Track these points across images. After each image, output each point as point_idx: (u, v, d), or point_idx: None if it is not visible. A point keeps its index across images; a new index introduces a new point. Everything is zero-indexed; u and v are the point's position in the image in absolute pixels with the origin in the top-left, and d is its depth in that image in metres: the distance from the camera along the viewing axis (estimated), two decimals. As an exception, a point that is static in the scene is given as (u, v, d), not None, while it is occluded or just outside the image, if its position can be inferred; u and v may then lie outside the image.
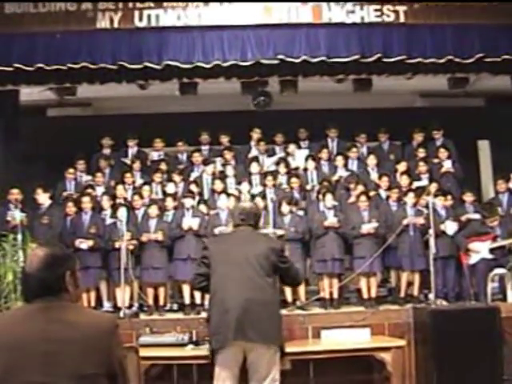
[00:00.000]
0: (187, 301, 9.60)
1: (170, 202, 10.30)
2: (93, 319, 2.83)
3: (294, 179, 10.97)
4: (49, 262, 2.80)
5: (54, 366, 2.63)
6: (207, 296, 8.98)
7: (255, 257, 5.35)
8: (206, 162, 11.72)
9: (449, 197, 10.32)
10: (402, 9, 10.21)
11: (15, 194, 10.07)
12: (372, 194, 10.52)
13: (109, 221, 10.16)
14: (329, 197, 9.95)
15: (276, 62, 10.30)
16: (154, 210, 10.00)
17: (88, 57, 10.09)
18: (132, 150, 12.38)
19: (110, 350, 2.77)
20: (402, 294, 9.72)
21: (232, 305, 5.24)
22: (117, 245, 9.40)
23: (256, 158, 11.84)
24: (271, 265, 5.41)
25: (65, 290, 2.81)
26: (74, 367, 2.66)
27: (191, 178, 11.49)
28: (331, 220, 9.73)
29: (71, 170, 11.37)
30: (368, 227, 9.66)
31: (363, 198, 9.95)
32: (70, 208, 10.19)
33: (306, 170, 11.49)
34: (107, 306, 9.83)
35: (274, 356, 5.37)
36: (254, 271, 5.31)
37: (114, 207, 10.25)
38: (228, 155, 11.94)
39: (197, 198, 10.61)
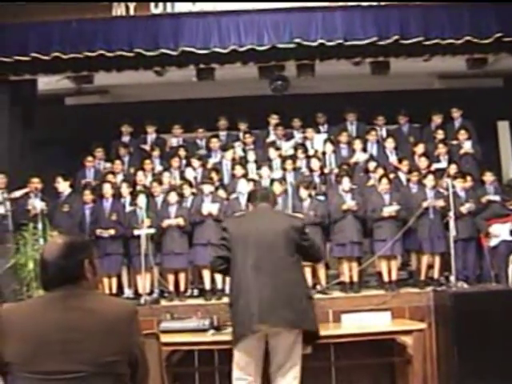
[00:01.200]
0: (208, 286, 9.63)
1: (187, 189, 10.29)
2: (112, 306, 2.85)
3: (314, 160, 10.95)
4: (67, 250, 2.82)
5: (74, 354, 2.65)
6: (228, 281, 9.12)
7: (276, 237, 5.31)
8: (224, 148, 11.71)
9: (468, 178, 10.24)
10: (418, -11, 10.16)
11: (35, 182, 10.13)
12: (391, 176, 10.47)
13: (128, 208, 10.20)
14: (346, 180, 9.91)
15: (293, 45, 10.27)
16: (173, 197, 10.01)
17: (104, 44, 10.13)
18: (151, 136, 12.40)
19: (130, 336, 2.79)
20: (423, 277, 9.68)
21: (254, 292, 5.21)
22: (136, 232, 9.44)
23: (274, 143, 11.83)
24: (293, 243, 5.37)
25: (84, 277, 2.83)
26: (94, 355, 2.67)
27: (209, 164, 11.50)
28: (349, 203, 9.71)
29: (90, 158, 11.41)
30: (389, 210, 9.63)
31: (385, 180, 9.91)
32: (88, 196, 10.23)
33: (324, 153, 11.45)
34: (128, 292, 9.89)
35: (296, 340, 5.36)
36: (275, 253, 5.28)
37: (134, 194, 10.28)
38: (248, 139, 11.96)
39: (216, 183, 10.60)
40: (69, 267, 2.80)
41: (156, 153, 11.77)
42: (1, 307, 3.10)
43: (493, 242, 9.41)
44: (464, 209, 9.60)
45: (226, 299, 8.71)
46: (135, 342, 2.81)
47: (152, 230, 9.55)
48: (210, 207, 9.78)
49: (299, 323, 5.34)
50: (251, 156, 11.36)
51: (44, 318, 2.71)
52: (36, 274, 7.73)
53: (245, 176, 10.62)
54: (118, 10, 10.21)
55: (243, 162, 11.24)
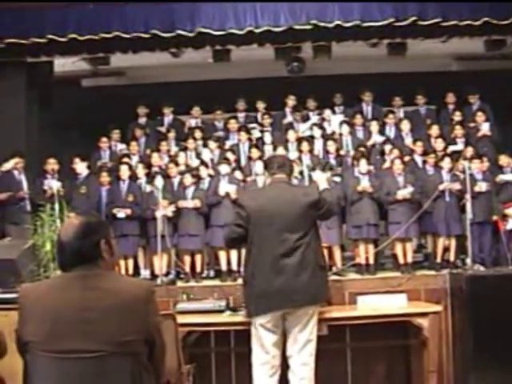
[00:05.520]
0: (224, 267, 9.65)
1: (203, 171, 10.28)
2: (129, 286, 2.87)
3: (330, 143, 10.91)
4: (83, 231, 2.83)
5: (92, 334, 2.68)
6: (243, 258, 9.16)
7: (293, 214, 5.39)
8: (241, 129, 11.68)
9: (485, 159, 10.15)
10: (436, -30, 10.09)
11: (52, 163, 10.18)
12: (407, 159, 10.42)
13: (145, 189, 10.21)
14: (363, 162, 9.88)
15: (309, 27, 10.26)
16: (188, 179, 10.01)
17: (120, 26, 10.15)
18: (167, 118, 12.41)
19: (147, 316, 2.81)
20: (439, 260, 9.67)
21: (272, 270, 5.28)
22: (157, 213, 9.44)
23: (291, 125, 11.80)
24: (310, 218, 5.47)
25: (100, 257, 2.85)
26: (112, 334, 2.70)
27: (227, 146, 11.50)
28: (364, 184, 9.69)
29: (105, 139, 11.43)
30: (403, 193, 9.58)
31: (398, 162, 9.88)
32: (105, 178, 10.28)
33: (340, 135, 11.41)
34: (144, 273, 9.93)
35: (313, 315, 5.43)
36: (293, 231, 5.36)
37: (150, 176, 10.30)
38: (267, 120, 11.93)
39: (233, 164, 10.59)
40: (85, 248, 2.82)
41: (172, 134, 11.77)
42: (20, 287, 3.12)
43: (509, 225, 9.36)
44: (478, 187, 9.53)
45: (241, 280, 8.78)
46: (152, 322, 2.83)
47: (172, 208, 9.60)
48: (227, 188, 9.77)
49: (316, 298, 5.42)
50: (268, 138, 11.33)
51: (62, 298, 2.74)
52: (53, 255, 7.77)
53: (261, 158, 10.60)
54: (135, -9, 10.24)
55: (259, 143, 11.23)
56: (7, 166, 10.03)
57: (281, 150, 10.81)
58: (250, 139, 11.52)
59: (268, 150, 11.10)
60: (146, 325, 2.79)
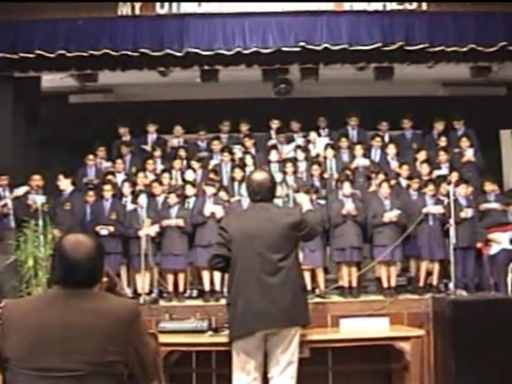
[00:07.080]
0: (207, 287, 9.61)
1: (189, 190, 10.27)
2: (114, 306, 2.85)
3: (315, 166, 10.92)
4: (97, 252, 2.85)
5: (73, 352, 2.66)
6: (226, 282, 9.13)
7: (276, 237, 5.36)
8: (224, 150, 11.68)
9: (469, 184, 10.20)
10: (424, -4, 10.21)
11: (36, 179, 10.13)
12: (392, 182, 10.45)
13: (129, 207, 10.18)
14: (347, 185, 9.90)
15: (297, 49, 10.31)
16: (173, 199, 9.99)
17: (109, 43, 10.16)
18: (151, 136, 12.39)
19: (129, 337, 2.79)
20: (422, 284, 9.67)
21: (255, 293, 5.26)
22: (140, 232, 9.41)
23: (275, 146, 11.81)
24: (293, 240, 5.48)
25: (101, 280, 2.85)
26: (92, 354, 2.68)
27: (210, 166, 11.49)
28: (348, 207, 9.69)
29: (91, 157, 11.39)
30: (391, 215, 9.60)
31: (385, 185, 9.90)
32: (90, 197, 10.23)
33: (325, 158, 11.43)
34: (127, 292, 9.86)
35: (294, 338, 5.42)
36: (275, 254, 5.33)
37: (135, 194, 10.27)
38: (248, 143, 11.94)
39: (216, 185, 10.58)
40: (96, 269, 2.82)
41: (158, 153, 11.75)
42: (4, 303, 3.09)
43: (492, 251, 9.38)
44: (463, 213, 9.57)
45: (224, 301, 8.73)
46: (133, 345, 2.80)
47: (156, 227, 9.58)
48: (213, 208, 9.77)
49: (299, 319, 5.42)
50: (249, 160, 11.31)
51: (45, 315, 2.72)
52: (36, 271, 7.73)
53: (244, 178, 10.60)
54: (124, 9, 10.27)
55: (242, 164, 11.22)
56: (19, 192, 9.98)
57: (266, 172, 10.81)
58: (232, 160, 11.52)
59: (250, 170, 11.06)
60: (126, 346, 2.77)
